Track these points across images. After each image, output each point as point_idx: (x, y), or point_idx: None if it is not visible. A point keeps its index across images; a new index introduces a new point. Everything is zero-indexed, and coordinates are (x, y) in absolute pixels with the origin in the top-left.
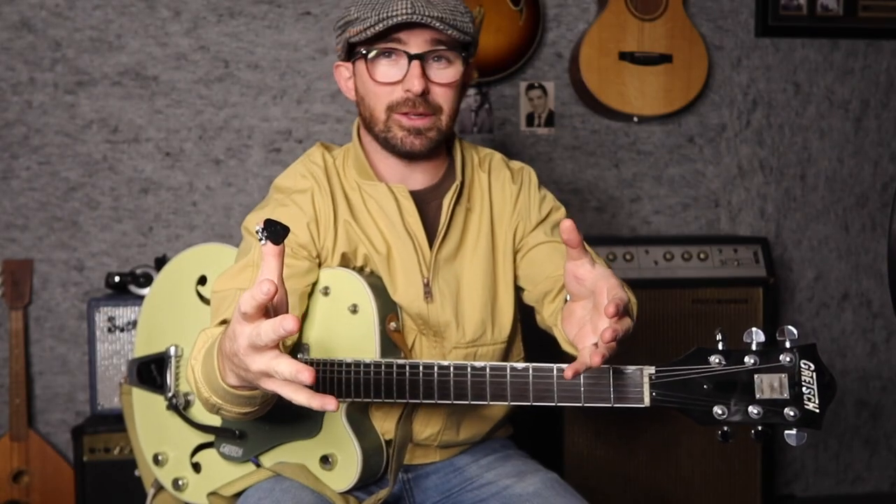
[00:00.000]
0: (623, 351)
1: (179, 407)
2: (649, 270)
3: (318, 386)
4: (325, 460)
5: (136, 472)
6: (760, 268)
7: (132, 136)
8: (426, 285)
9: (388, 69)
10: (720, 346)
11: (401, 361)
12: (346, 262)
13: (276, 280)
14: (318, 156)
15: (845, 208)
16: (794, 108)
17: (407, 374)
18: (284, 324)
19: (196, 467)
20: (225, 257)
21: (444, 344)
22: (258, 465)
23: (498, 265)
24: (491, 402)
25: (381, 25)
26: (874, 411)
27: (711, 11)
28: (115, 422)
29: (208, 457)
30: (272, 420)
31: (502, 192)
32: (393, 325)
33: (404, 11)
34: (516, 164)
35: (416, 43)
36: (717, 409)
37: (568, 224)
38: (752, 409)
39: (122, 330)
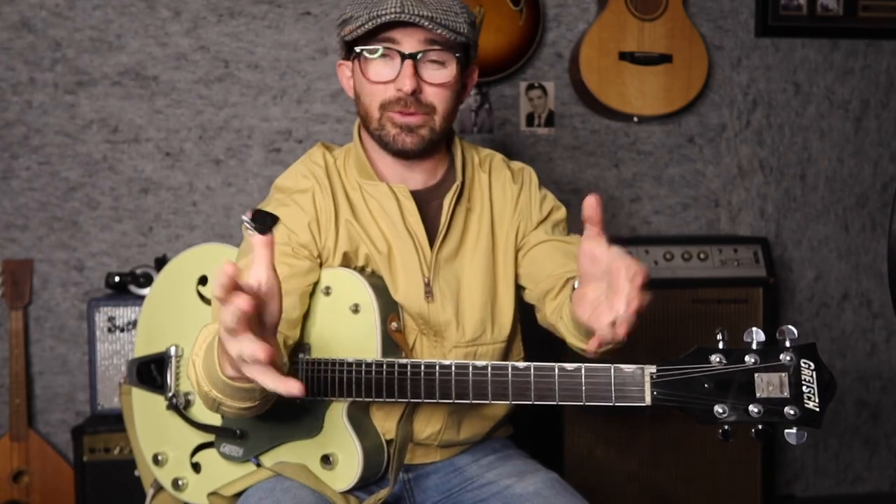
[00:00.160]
0: (623, 350)
1: (180, 406)
2: (649, 270)
3: (319, 385)
4: (326, 460)
5: (136, 472)
6: (760, 268)
7: (132, 136)
8: (427, 285)
9: (381, 68)
10: (721, 346)
11: (402, 361)
12: (347, 261)
13: (267, 269)
14: (318, 156)
15: (845, 208)
16: (794, 108)
17: (408, 373)
18: (239, 303)
19: (196, 467)
20: (226, 257)
21: (444, 343)
22: (258, 465)
23: (498, 265)
24: (492, 402)
25: (370, 24)
26: (874, 411)
27: (711, 11)
28: (115, 422)
29: (208, 457)
30: (273, 419)
31: (503, 192)
32: (394, 324)
33: (393, 10)
34: (517, 165)
35: (409, 42)
36: (718, 408)
37: (592, 200)
38: (753, 408)
39: (122, 330)
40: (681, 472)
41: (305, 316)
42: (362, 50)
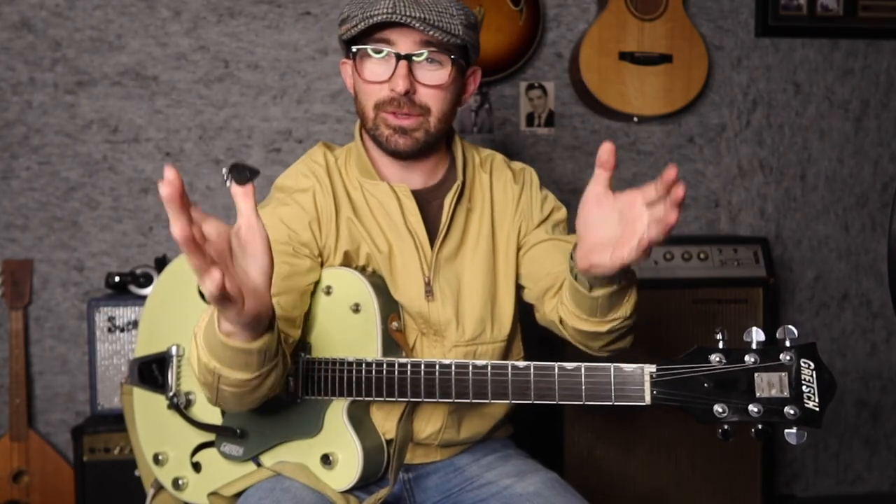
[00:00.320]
0: (623, 349)
1: (181, 406)
2: (649, 270)
3: (319, 384)
4: (326, 459)
5: (136, 472)
6: (760, 268)
7: (132, 136)
8: (427, 284)
9: (376, 68)
10: (720, 345)
11: (402, 360)
12: (348, 260)
13: (248, 218)
14: (319, 155)
15: (845, 208)
16: (794, 108)
17: (408, 372)
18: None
19: (196, 467)
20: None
21: (443, 343)
22: (259, 465)
23: (499, 265)
24: (492, 401)
25: (362, 24)
26: (874, 411)
27: (711, 11)
28: (115, 422)
29: (208, 456)
30: (273, 419)
31: (504, 192)
32: (395, 324)
33: (385, 11)
34: (518, 165)
35: (404, 43)
36: (718, 408)
37: (610, 145)
38: (753, 408)
39: (122, 330)
40: (681, 472)
41: (306, 315)
42: (358, 49)
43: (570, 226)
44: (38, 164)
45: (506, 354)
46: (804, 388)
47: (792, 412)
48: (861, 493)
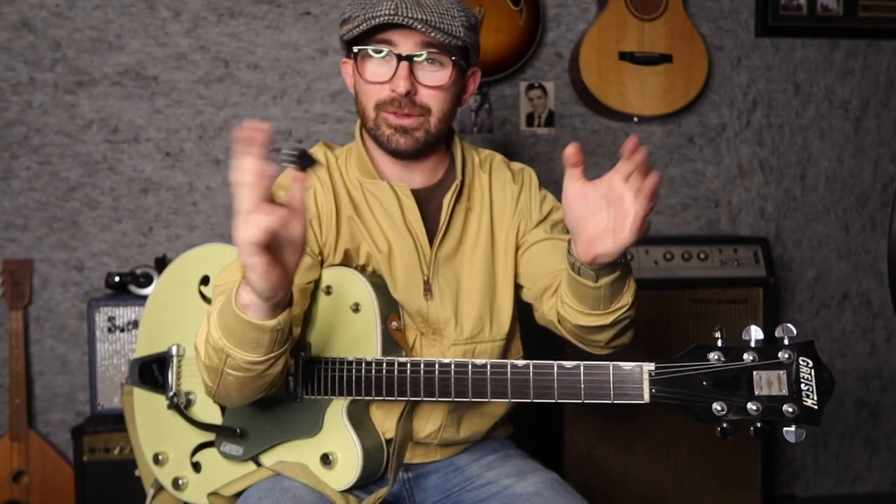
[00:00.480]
0: (623, 349)
1: (181, 405)
2: (649, 270)
3: (319, 384)
4: (326, 459)
5: (136, 472)
6: (760, 268)
7: (132, 136)
8: (426, 283)
9: (377, 68)
10: (719, 343)
11: (402, 359)
12: (348, 259)
13: (300, 202)
14: (320, 154)
15: (845, 208)
16: (794, 108)
17: (408, 371)
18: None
19: (196, 467)
20: (228, 257)
21: (442, 341)
22: (258, 465)
23: (497, 264)
24: (492, 399)
25: (364, 25)
26: (874, 411)
27: (711, 11)
28: (115, 422)
29: (208, 456)
30: (273, 418)
31: (503, 192)
32: (395, 324)
33: (387, 12)
34: (517, 166)
35: (405, 44)
36: (717, 406)
37: (574, 147)
38: (751, 406)
39: (122, 330)
40: (681, 473)
41: (306, 315)
42: (360, 50)
43: None
44: (38, 164)
45: (504, 353)
46: (803, 386)
47: (791, 410)
48: (861, 493)
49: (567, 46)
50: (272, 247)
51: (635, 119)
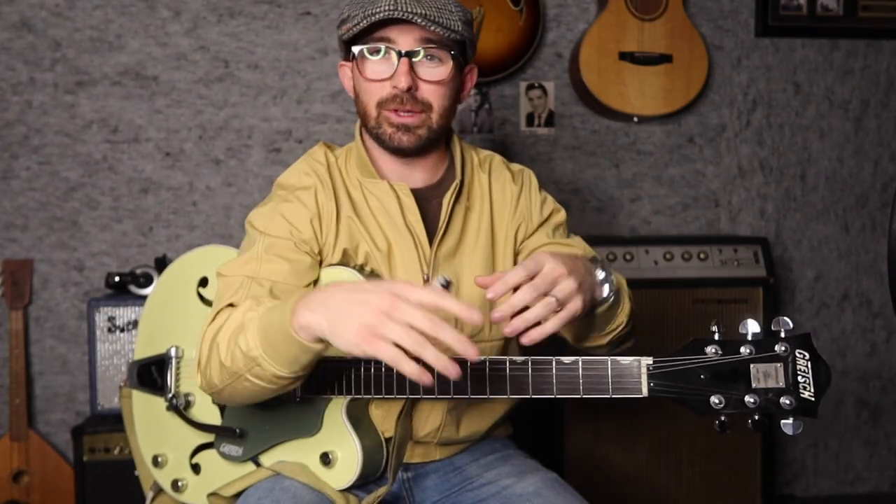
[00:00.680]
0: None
1: (180, 407)
2: (649, 270)
3: (318, 383)
4: (325, 458)
5: (136, 473)
6: (760, 268)
7: (132, 136)
8: (426, 282)
9: (377, 66)
10: (716, 337)
11: None
12: (346, 258)
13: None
14: (320, 154)
15: (845, 208)
16: (794, 108)
17: None
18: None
19: (195, 468)
20: (227, 259)
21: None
22: (258, 465)
23: (497, 263)
24: (491, 396)
25: (364, 22)
26: (874, 411)
27: (711, 11)
28: (115, 422)
29: (208, 457)
30: (272, 418)
31: (503, 192)
32: None
33: (387, 8)
34: (516, 167)
35: (404, 41)
36: (714, 399)
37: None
38: (749, 399)
39: (122, 330)
40: (681, 472)
41: None
42: (360, 49)
43: (570, 227)
44: (38, 164)
45: (504, 353)
46: (800, 378)
47: (788, 402)
48: (861, 493)
49: (567, 46)
50: None
51: (635, 119)
